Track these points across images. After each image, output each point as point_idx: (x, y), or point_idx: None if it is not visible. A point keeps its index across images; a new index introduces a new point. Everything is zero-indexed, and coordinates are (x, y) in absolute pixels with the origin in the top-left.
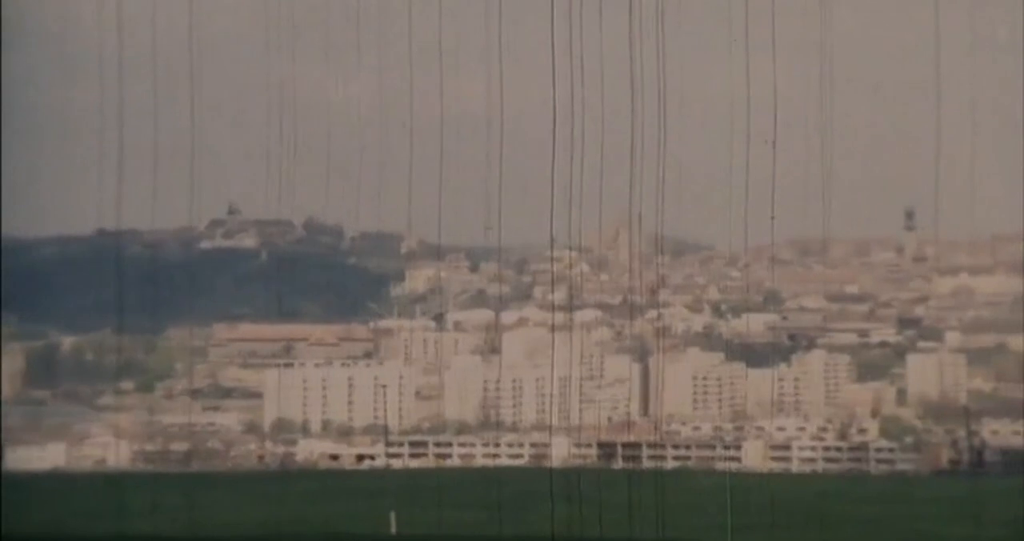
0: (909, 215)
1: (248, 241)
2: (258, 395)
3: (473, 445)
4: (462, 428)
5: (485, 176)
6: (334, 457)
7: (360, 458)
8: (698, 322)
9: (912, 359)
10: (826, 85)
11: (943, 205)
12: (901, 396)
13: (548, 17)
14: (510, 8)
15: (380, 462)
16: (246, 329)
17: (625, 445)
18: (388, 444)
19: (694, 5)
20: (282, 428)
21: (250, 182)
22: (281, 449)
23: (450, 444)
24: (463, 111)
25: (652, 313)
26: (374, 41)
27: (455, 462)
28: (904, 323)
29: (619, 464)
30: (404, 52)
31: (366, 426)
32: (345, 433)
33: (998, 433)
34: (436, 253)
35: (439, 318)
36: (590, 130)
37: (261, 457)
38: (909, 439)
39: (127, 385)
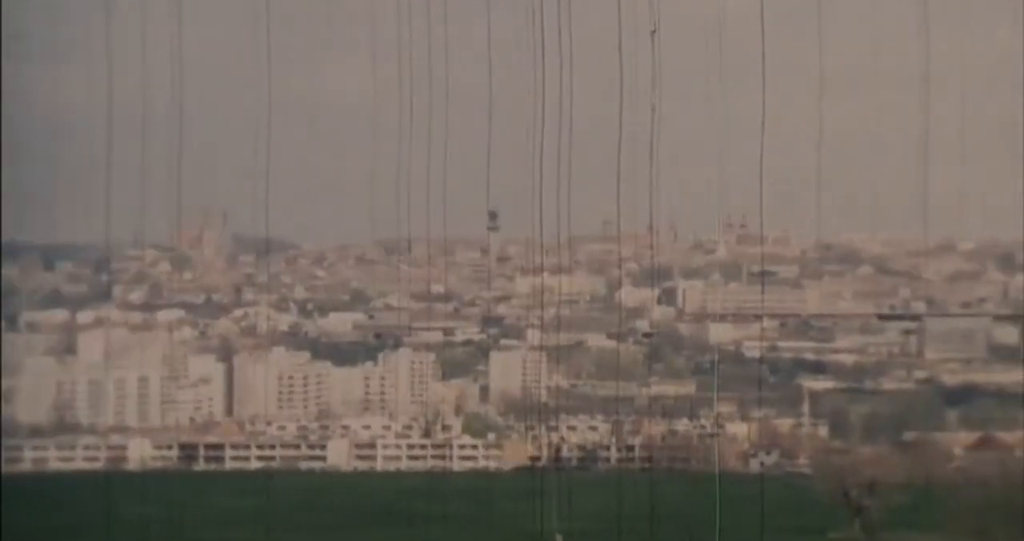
0: (492, 216)
1: None
2: None
3: (46, 449)
4: (34, 431)
5: (59, 173)
6: None
7: None
8: (284, 321)
9: (495, 357)
10: (405, 87)
11: (526, 205)
12: (484, 393)
13: None
14: None
15: None
16: None
17: (208, 446)
18: None
19: None
20: None
21: None
22: None
23: (21, 448)
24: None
25: (238, 312)
26: None
27: (27, 467)
28: (487, 322)
29: (201, 465)
30: None
31: None
32: None
33: (576, 429)
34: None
35: (11, 319)
36: (155, 130)
37: None
38: (492, 435)
39: None
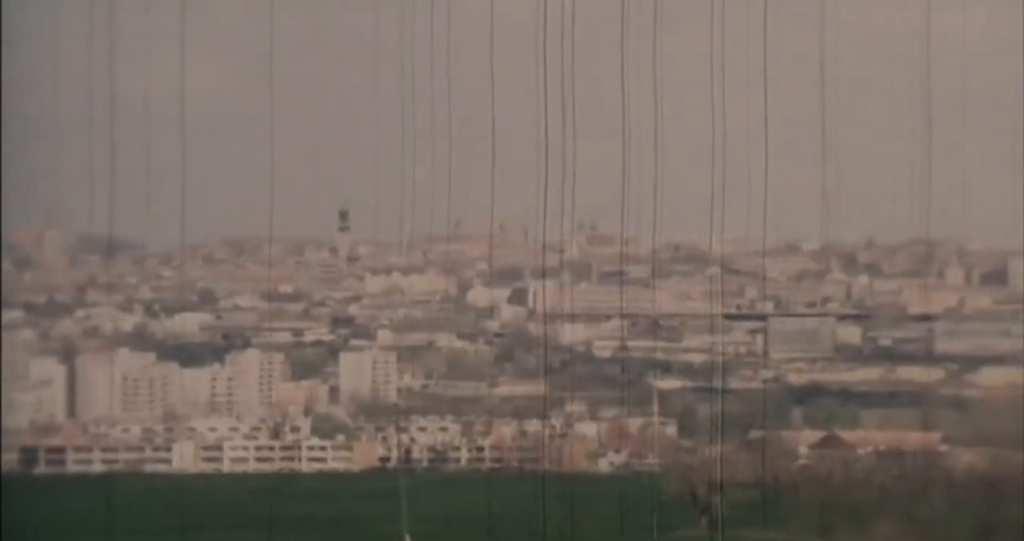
0: (343, 216)
1: None
2: None
3: None
4: None
5: None
6: None
7: None
8: (129, 322)
9: (345, 357)
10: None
11: (377, 205)
12: (334, 394)
13: None
14: None
15: None
16: None
17: (49, 449)
18: None
19: None
20: None
21: None
22: None
23: None
24: None
25: (80, 312)
26: None
27: None
28: (337, 322)
29: (42, 469)
30: None
31: None
32: None
33: (426, 430)
34: None
35: None
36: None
37: None
38: (341, 436)
39: None
